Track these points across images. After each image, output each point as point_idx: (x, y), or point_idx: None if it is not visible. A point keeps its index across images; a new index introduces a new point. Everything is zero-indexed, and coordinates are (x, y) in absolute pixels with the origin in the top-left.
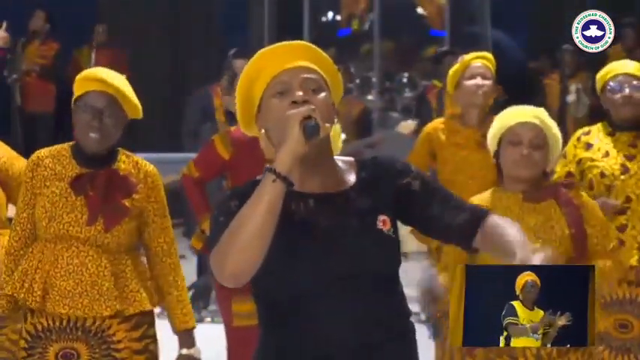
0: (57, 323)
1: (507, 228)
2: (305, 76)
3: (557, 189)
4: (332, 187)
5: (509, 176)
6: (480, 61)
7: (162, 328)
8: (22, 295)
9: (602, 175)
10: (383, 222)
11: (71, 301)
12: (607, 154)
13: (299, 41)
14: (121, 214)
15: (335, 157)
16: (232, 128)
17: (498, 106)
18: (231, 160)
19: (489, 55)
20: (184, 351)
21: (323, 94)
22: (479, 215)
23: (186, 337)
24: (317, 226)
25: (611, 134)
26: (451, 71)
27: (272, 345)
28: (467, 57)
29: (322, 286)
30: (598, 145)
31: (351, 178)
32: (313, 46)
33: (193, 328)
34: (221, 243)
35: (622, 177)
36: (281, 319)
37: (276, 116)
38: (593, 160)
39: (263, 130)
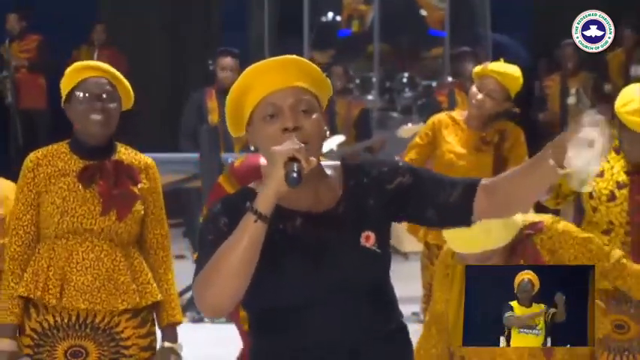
0: (65, 320)
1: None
2: (296, 98)
3: (523, 248)
4: (320, 203)
5: None
6: (497, 76)
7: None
8: (39, 293)
9: (591, 196)
10: (366, 238)
11: (90, 295)
12: (602, 173)
13: (288, 56)
14: (132, 201)
15: (322, 162)
16: (235, 164)
17: (507, 115)
18: None
19: (513, 73)
20: (167, 344)
21: (314, 116)
22: (471, 185)
23: (170, 331)
24: (304, 243)
25: (615, 150)
26: (474, 70)
27: (262, 352)
28: (490, 66)
29: (309, 300)
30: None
31: (339, 188)
32: (302, 60)
33: (179, 322)
34: (202, 276)
35: (607, 204)
36: (270, 329)
37: (266, 141)
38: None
39: (255, 146)
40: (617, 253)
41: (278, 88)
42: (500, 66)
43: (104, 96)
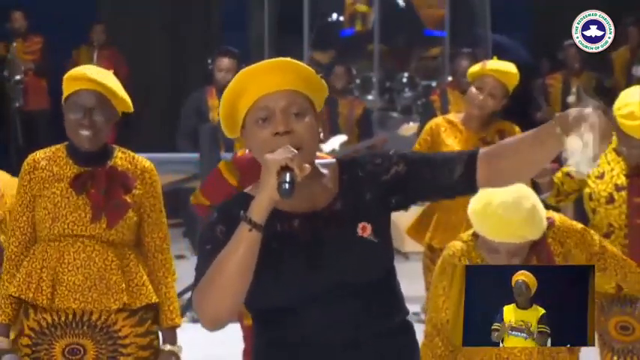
0: (62, 319)
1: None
2: (288, 101)
3: (537, 244)
4: (316, 203)
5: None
6: (496, 74)
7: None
8: (31, 294)
9: (590, 197)
10: (362, 229)
11: (81, 295)
12: (602, 175)
13: (281, 59)
14: (123, 209)
15: (317, 161)
16: (239, 154)
17: (500, 111)
18: (240, 184)
19: (510, 70)
20: (168, 347)
21: (306, 119)
22: (471, 158)
23: (170, 334)
24: (301, 242)
25: (616, 151)
26: (473, 69)
27: (263, 350)
28: (489, 65)
29: (308, 299)
30: (599, 161)
31: (334, 185)
32: (295, 62)
33: (178, 326)
34: (200, 287)
35: (606, 206)
36: (271, 328)
37: (258, 145)
38: (589, 176)
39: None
40: (597, 235)
41: (270, 90)
42: (498, 64)
43: (94, 110)
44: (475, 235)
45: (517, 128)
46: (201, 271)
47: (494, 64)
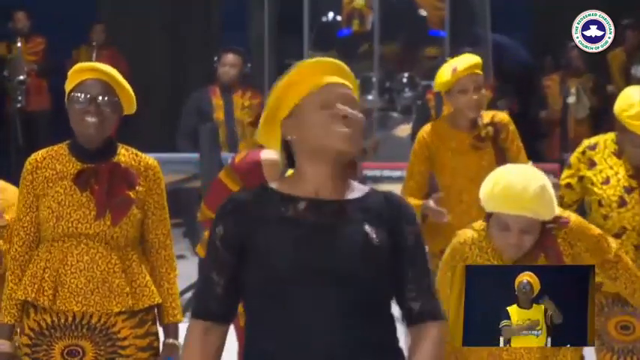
0: (62, 320)
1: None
2: (347, 92)
3: (545, 240)
4: (328, 195)
5: (499, 249)
6: (471, 71)
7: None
8: (33, 295)
9: (600, 204)
10: (370, 230)
11: (83, 298)
12: (607, 180)
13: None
14: (127, 206)
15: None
16: (236, 160)
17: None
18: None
19: (478, 61)
20: (170, 340)
21: (360, 113)
22: (421, 316)
23: (172, 330)
24: (304, 224)
25: (616, 154)
26: (442, 79)
27: (258, 340)
28: (459, 67)
29: (295, 281)
30: (600, 167)
31: (355, 191)
32: (345, 66)
33: (180, 322)
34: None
35: (619, 209)
36: (263, 312)
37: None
38: (593, 183)
39: (292, 137)
40: (615, 242)
41: (330, 81)
42: (464, 62)
43: (100, 99)
44: (487, 222)
45: (506, 116)
46: (201, 277)
47: (462, 64)
